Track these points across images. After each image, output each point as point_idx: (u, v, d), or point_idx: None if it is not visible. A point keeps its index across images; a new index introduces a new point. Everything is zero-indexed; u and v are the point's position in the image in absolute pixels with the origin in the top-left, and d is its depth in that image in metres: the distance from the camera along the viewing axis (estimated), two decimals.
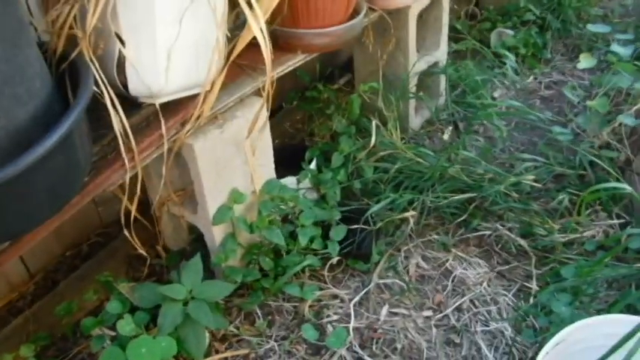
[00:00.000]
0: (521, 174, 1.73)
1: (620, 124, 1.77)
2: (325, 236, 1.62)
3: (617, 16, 2.82)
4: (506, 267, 1.70)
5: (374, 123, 1.73)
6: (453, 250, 1.74)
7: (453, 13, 2.61)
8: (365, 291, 1.61)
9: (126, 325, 1.26)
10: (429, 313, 1.58)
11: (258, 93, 1.46)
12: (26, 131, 0.91)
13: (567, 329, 1.20)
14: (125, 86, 1.24)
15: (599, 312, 1.44)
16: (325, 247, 1.61)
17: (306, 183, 1.77)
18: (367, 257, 1.66)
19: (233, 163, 1.45)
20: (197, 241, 1.62)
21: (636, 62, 1.98)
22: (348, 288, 1.63)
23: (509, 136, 2.05)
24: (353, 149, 1.80)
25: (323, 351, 1.47)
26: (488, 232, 1.76)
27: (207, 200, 1.42)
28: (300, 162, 1.80)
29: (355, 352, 1.47)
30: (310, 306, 1.56)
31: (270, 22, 1.41)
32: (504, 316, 1.56)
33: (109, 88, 1.16)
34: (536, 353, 1.45)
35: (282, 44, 1.55)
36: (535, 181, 1.74)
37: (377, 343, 1.49)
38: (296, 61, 1.58)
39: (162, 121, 1.27)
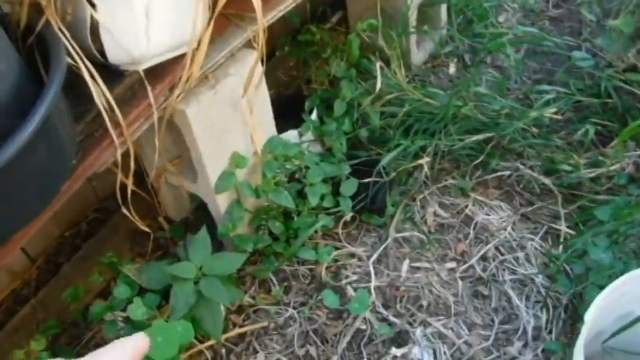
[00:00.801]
0: (541, 107, 1.60)
1: None
2: (335, 192, 1.53)
3: None
4: (531, 208, 1.60)
5: (378, 65, 1.59)
6: (472, 194, 1.64)
7: None
8: (383, 247, 1.52)
9: (137, 309, 1.19)
10: (452, 264, 1.51)
11: (248, 45, 1.32)
12: None
13: (622, 279, 1.12)
14: (103, 54, 1.11)
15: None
16: (337, 204, 1.51)
17: (309, 135, 1.66)
18: (382, 211, 1.57)
19: (230, 126, 1.34)
20: (200, 208, 1.53)
21: None
22: (364, 245, 1.55)
23: (521, 65, 1.91)
24: (355, 94, 1.67)
25: (345, 314, 1.41)
26: (507, 173, 1.66)
27: (206, 168, 1.32)
28: (298, 113, 1.68)
29: (379, 312, 1.40)
30: (327, 267, 1.48)
31: None
32: (533, 262, 1.48)
33: (84, 59, 1.04)
34: (572, 301, 1.38)
35: None
36: (556, 113, 1.62)
37: (401, 301, 1.42)
38: (288, 3, 1.43)
39: (149, 89, 1.14)
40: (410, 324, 1.38)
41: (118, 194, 1.20)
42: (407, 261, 1.51)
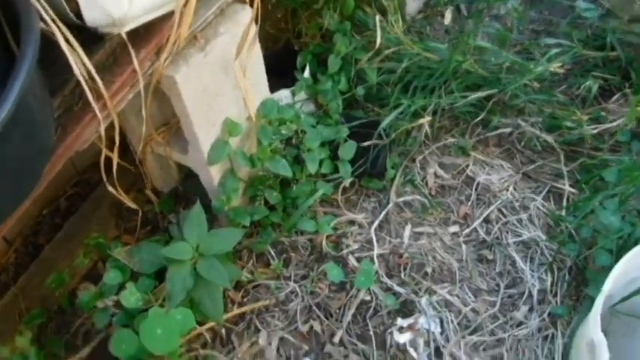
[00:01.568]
0: (547, 61, 1.52)
1: None
2: (333, 156, 1.44)
3: None
4: (532, 167, 1.55)
5: (377, 18, 1.47)
6: (472, 153, 1.58)
7: None
8: (384, 212, 1.45)
9: (130, 296, 1.10)
10: (455, 228, 1.45)
11: None
12: None
13: (636, 249, 1.08)
14: (79, 16, 0.97)
15: None
16: (335, 169, 1.43)
17: (302, 95, 1.55)
18: (382, 174, 1.49)
19: (222, 90, 1.22)
20: (189, 177, 1.42)
21: None
22: (364, 211, 1.47)
23: (523, 16, 1.81)
24: (350, 49, 1.55)
25: (348, 286, 1.35)
26: (508, 130, 1.59)
27: (198, 137, 1.21)
28: (288, 69, 1.56)
29: (383, 282, 1.35)
30: (327, 237, 1.41)
31: None
32: (536, 223, 1.44)
33: (59, 23, 0.90)
34: (576, 263, 1.35)
35: None
36: (560, 67, 1.54)
37: (405, 269, 1.37)
38: None
39: (133, 53, 1.01)
40: (415, 293, 1.33)
41: (102, 169, 1.09)
42: (409, 226, 1.44)
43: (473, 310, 1.33)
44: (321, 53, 1.59)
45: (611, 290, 1.21)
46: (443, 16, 1.86)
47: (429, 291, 1.34)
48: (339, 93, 1.51)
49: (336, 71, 1.53)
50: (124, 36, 1.00)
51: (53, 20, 0.89)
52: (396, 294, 1.33)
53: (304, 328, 1.29)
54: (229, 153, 1.25)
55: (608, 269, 1.15)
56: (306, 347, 1.27)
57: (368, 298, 1.33)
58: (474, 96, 1.52)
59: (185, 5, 1.05)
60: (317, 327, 1.30)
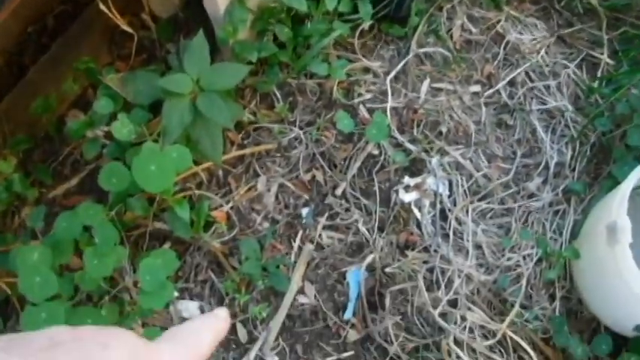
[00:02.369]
0: None
1: None
2: None
3: None
4: (569, 30, 1.40)
5: None
6: (506, 8, 1.42)
7: None
8: (402, 63, 1.33)
9: (122, 128, 1.01)
10: (477, 88, 1.34)
11: None
12: None
13: None
14: None
15: None
16: (354, 9, 1.28)
17: None
18: (404, 20, 1.34)
19: None
20: (192, 3, 1.27)
21: None
22: (381, 59, 1.35)
23: None
24: None
25: (356, 137, 1.26)
26: None
27: None
28: None
29: (394, 137, 1.26)
30: (339, 83, 1.29)
31: None
32: (565, 92, 1.33)
33: None
34: (600, 140, 1.26)
35: None
36: None
37: (418, 126, 1.28)
38: None
39: None
40: (426, 152, 1.26)
41: None
42: (427, 80, 1.33)
43: (485, 175, 1.26)
44: None
45: None
46: None
47: (441, 151, 1.26)
48: None
49: None
50: None
51: None
52: (406, 151, 1.25)
53: (306, 177, 1.23)
54: None
55: (637, 150, 1.07)
56: (306, 197, 1.22)
57: (376, 152, 1.25)
58: None
59: None
60: (319, 177, 1.23)
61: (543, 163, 1.28)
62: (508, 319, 1.11)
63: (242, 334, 1.12)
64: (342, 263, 1.17)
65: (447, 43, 1.36)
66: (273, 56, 1.24)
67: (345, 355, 1.12)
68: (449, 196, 1.23)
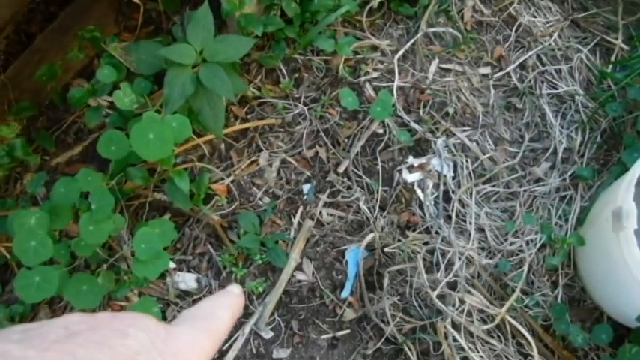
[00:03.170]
0: None
1: None
2: None
3: None
4: (583, 14, 1.37)
5: None
6: None
7: None
8: (411, 42, 1.31)
9: (124, 97, 1.01)
10: (486, 70, 1.32)
11: None
12: None
13: None
14: None
15: None
16: None
17: None
18: None
19: None
20: None
21: None
22: (390, 37, 1.33)
23: None
24: None
25: (361, 116, 1.25)
26: None
27: None
28: None
29: (399, 117, 1.25)
30: (345, 60, 1.28)
31: None
32: (576, 77, 1.30)
33: None
34: (611, 126, 1.24)
35: None
36: None
37: (424, 106, 1.26)
38: None
39: None
40: (432, 132, 1.24)
41: None
42: (436, 61, 1.31)
43: (491, 158, 1.24)
44: None
45: None
46: None
47: (447, 132, 1.24)
48: None
49: None
50: None
51: None
52: (411, 131, 1.24)
53: (308, 154, 1.22)
54: None
55: None
56: (308, 173, 1.21)
57: (381, 131, 1.24)
58: None
59: None
60: (322, 154, 1.22)
61: (551, 148, 1.26)
62: (508, 304, 1.09)
63: None
64: (342, 241, 1.16)
65: (457, 24, 1.34)
66: (280, 31, 1.23)
67: (341, 333, 1.11)
68: (453, 178, 1.21)
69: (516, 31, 1.35)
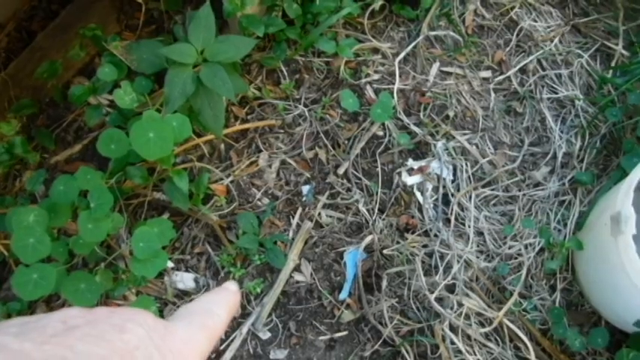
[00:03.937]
0: None
1: None
2: None
3: None
4: (585, 19, 1.38)
5: None
6: None
7: None
8: (412, 45, 1.31)
9: (125, 96, 1.01)
10: (487, 73, 1.32)
11: None
12: None
13: None
14: None
15: None
16: None
17: None
18: (416, 2, 1.32)
19: None
20: None
21: None
22: (391, 40, 1.33)
23: None
24: None
25: (361, 118, 1.25)
26: None
27: None
28: None
29: (399, 119, 1.25)
30: (346, 62, 1.28)
31: None
32: (577, 82, 1.30)
33: None
34: (611, 131, 1.24)
35: None
36: None
37: (425, 109, 1.26)
38: None
39: None
40: (432, 135, 1.24)
41: None
42: (437, 64, 1.31)
43: (490, 162, 1.24)
44: None
45: None
46: None
47: (447, 136, 1.24)
48: None
49: None
50: None
51: None
52: (411, 133, 1.24)
53: (308, 155, 1.22)
54: None
55: None
56: (307, 175, 1.21)
57: (381, 133, 1.24)
58: None
59: None
60: (322, 156, 1.22)
61: (551, 153, 1.26)
62: (506, 308, 1.09)
63: None
64: (340, 243, 1.16)
65: (458, 27, 1.34)
66: (281, 32, 1.23)
67: (339, 335, 1.11)
68: (452, 181, 1.21)
69: (517, 35, 1.36)
